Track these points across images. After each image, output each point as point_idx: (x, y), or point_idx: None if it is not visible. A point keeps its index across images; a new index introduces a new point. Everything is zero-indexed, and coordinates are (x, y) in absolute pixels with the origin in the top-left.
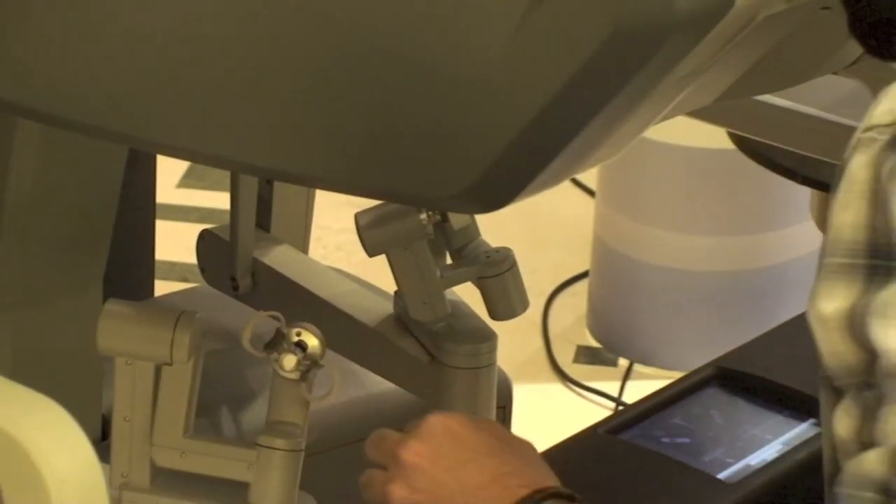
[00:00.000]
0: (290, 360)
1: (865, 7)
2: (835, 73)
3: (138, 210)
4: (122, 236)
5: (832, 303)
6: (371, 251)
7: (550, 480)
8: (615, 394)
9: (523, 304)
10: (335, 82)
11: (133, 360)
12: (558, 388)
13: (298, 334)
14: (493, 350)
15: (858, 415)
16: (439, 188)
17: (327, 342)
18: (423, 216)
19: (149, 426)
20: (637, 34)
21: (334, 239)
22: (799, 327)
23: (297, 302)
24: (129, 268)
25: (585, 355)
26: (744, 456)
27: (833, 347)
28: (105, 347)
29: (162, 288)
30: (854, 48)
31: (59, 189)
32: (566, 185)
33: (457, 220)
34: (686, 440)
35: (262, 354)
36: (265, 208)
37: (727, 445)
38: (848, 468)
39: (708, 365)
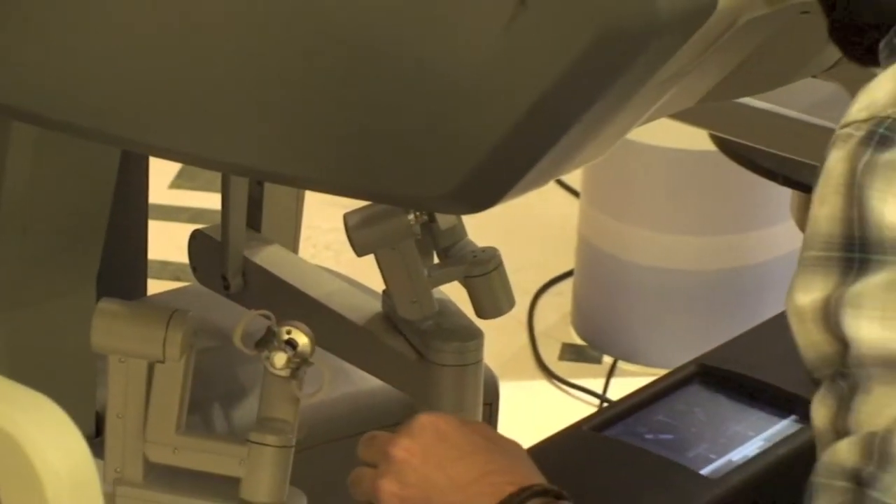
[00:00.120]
0: (280, 358)
1: (844, 13)
2: (814, 76)
3: (131, 210)
4: (116, 236)
5: (809, 295)
6: (360, 251)
7: (537, 478)
8: (600, 391)
9: (509, 303)
10: (323, 84)
11: (126, 358)
12: (544, 385)
13: (289, 332)
14: (479, 348)
15: (833, 405)
16: (427, 189)
17: (317, 340)
18: (411, 217)
19: (142, 423)
20: (621, 37)
21: (323, 238)
22: (780, 325)
23: (288, 301)
24: (122, 267)
25: (570, 353)
26: (726, 452)
27: (809, 339)
28: (98, 345)
29: (154, 287)
30: (833, 52)
31: (53, 189)
32: (551, 186)
33: (444, 220)
34: (669, 437)
35: (253, 352)
36: (256, 209)
37: (710, 442)
38: (822, 458)
39: (691, 362)
